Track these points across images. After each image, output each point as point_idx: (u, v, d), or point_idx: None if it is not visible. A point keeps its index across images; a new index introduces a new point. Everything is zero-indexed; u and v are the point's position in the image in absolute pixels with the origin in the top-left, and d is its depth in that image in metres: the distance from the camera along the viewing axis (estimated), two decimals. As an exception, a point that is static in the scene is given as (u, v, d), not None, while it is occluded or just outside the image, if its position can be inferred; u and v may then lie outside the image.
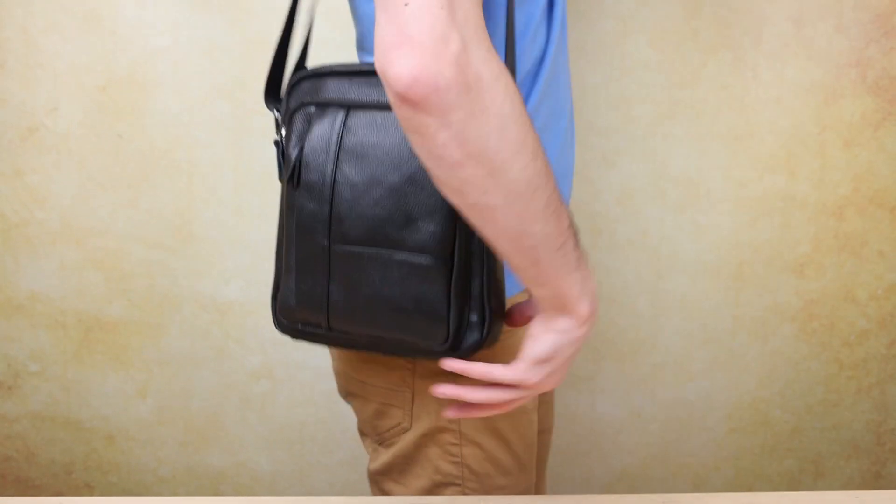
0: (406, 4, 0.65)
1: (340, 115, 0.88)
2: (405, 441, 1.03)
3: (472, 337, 0.88)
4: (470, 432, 1.01)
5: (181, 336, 1.66)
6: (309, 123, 0.90)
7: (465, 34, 0.66)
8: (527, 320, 0.90)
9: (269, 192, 1.61)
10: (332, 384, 1.68)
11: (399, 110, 0.68)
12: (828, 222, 1.65)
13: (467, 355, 0.88)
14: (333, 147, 0.87)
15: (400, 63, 0.65)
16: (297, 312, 0.92)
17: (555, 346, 0.83)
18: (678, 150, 1.61)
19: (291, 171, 0.89)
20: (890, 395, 1.72)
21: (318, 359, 1.68)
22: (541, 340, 0.83)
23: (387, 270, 0.86)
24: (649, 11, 1.56)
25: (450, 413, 0.89)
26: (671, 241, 1.63)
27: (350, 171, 0.86)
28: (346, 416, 1.70)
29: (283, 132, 0.93)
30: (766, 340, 1.70)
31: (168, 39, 1.55)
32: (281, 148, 0.93)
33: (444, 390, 0.86)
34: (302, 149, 0.88)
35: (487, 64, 0.68)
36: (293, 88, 0.94)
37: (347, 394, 1.10)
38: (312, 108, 0.90)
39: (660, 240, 1.64)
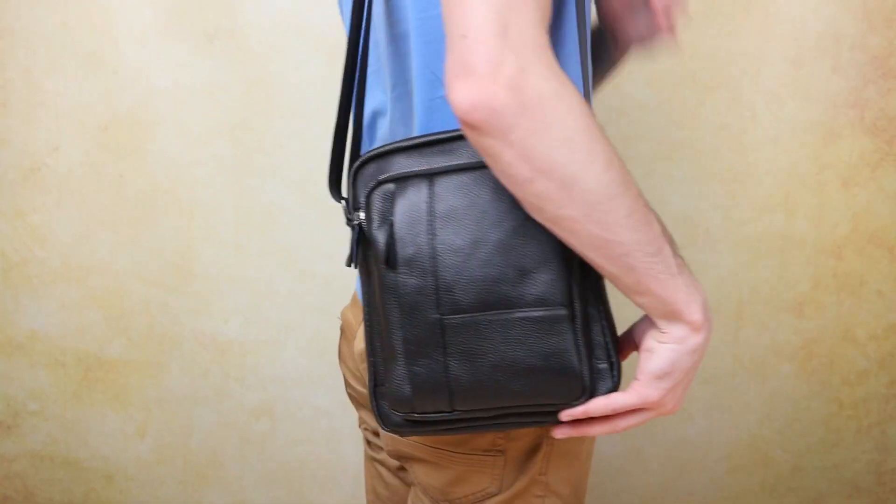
0: (464, 36, 0.69)
1: (425, 185, 0.84)
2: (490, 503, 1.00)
3: (605, 385, 0.84)
4: (554, 483, 0.98)
5: (181, 374, 1.64)
6: (391, 201, 0.86)
7: (522, 56, 0.68)
8: (632, 348, 0.87)
9: (269, 231, 1.60)
10: (331, 423, 1.67)
11: (468, 135, 0.71)
12: (826, 262, 1.64)
13: None
14: (425, 217, 0.83)
15: (460, 91, 0.68)
16: (415, 401, 0.86)
17: (672, 357, 0.80)
18: (677, 189, 1.60)
19: (387, 251, 0.84)
20: (890, 434, 1.70)
21: (317, 398, 1.66)
22: (656, 353, 0.80)
23: (508, 332, 0.81)
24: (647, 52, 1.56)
25: (558, 433, 0.86)
26: (670, 281, 1.62)
27: (450, 237, 0.82)
28: (345, 454, 1.68)
29: (363, 215, 0.87)
30: (766, 380, 1.68)
31: (169, 80, 1.54)
32: (361, 232, 0.87)
33: (565, 431, 0.84)
34: (392, 225, 0.84)
35: (548, 82, 0.69)
36: (358, 172, 0.89)
37: (406, 457, 1.04)
38: (392, 185, 0.86)
39: (659, 279, 1.62)
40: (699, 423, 1.70)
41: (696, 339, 0.80)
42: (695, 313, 0.78)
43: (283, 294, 1.63)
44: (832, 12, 1.55)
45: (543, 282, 0.80)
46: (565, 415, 0.83)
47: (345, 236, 1.61)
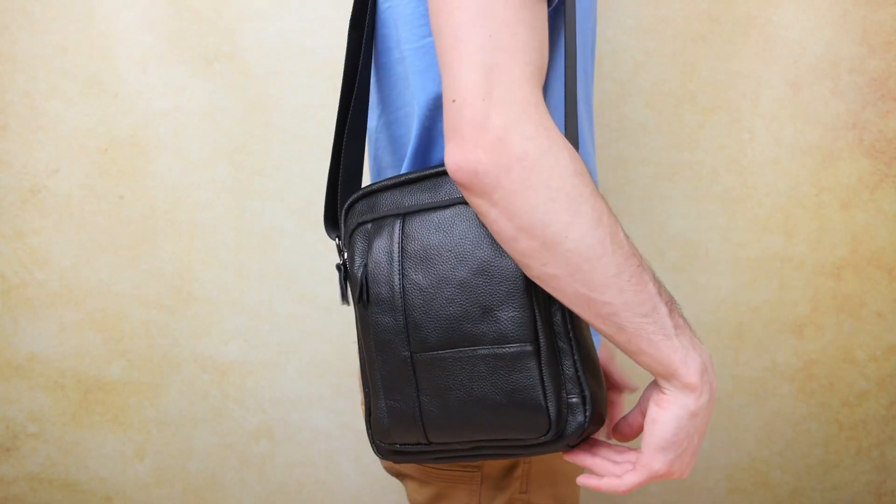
0: (453, 101, 0.70)
1: (398, 225, 0.85)
2: None
3: (576, 420, 0.83)
4: (537, 502, 0.98)
5: (180, 397, 1.61)
6: (369, 241, 0.87)
7: (506, 116, 0.69)
8: (637, 431, 0.86)
9: (269, 253, 1.57)
10: (330, 445, 1.64)
11: (462, 192, 0.74)
12: (826, 283, 1.61)
13: (574, 439, 0.83)
14: (396, 257, 0.84)
15: (449, 154, 0.71)
16: (393, 433, 0.87)
17: (675, 425, 0.78)
18: (676, 210, 1.58)
19: (361, 290, 0.85)
20: (890, 456, 1.67)
21: (317, 419, 1.63)
22: (659, 423, 0.78)
23: (473, 368, 0.81)
24: (646, 74, 1.54)
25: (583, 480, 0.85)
26: (670, 302, 1.60)
27: (417, 277, 0.82)
28: (345, 477, 1.65)
29: (346, 255, 0.89)
30: (766, 401, 1.66)
31: (169, 103, 1.52)
32: (344, 271, 0.90)
33: (587, 482, 0.83)
34: (366, 265, 0.85)
35: (534, 140, 0.69)
36: (349, 211, 0.91)
37: (399, 474, 1.06)
38: (369, 225, 0.87)
39: (659, 301, 1.60)
40: (699, 444, 1.67)
41: (693, 402, 0.77)
42: (691, 375, 0.76)
43: (283, 316, 1.60)
44: (831, 35, 1.54)
45: (506, 319, 0.80)
46: (580, 480, 0.83)
47: (344, 259, 1.58)
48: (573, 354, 0.82)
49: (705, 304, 1.62)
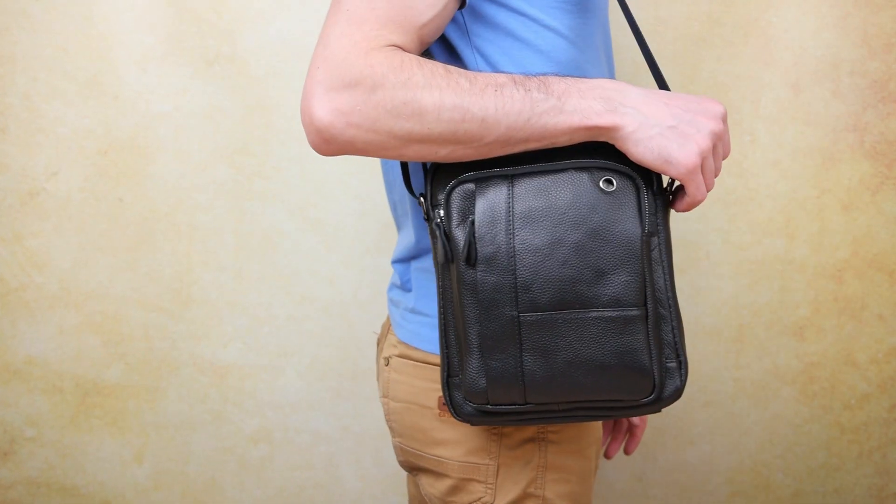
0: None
1: (505, 186, 0.86)
2: None
3: (673, 384, 0.87)
4: (552, 499, 0.98)
5: (179, 400, 1.59)
6: (471, 199, 0.86)
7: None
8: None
9: (269, 255, 1.55)
10: (329, 448, 1.61)
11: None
12: (827, 286, 1.59)
13: (669, 404, 0.87)
14: (505, 216, 0.84)
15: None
16: (490, 393, 0.86)
17: (645, 147, 0.83)
18: (677, 213, 1.56)
19: (467, 249, 0.85)
20: (892, 459, 1.65)
21: (316, 423, 1.61)
22: (644, 159, 0.83)
23: (583, 330, 0.83)
24: (647, 76, 1.52)
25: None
26: (671, 305, 1.58)
27: (529, 237, 0.84)
28: (344, 480, 1.62)
29: (443, 213, 0.88)
30: (767, 404, 1.63)
31: (169, 105, 1.50)
32: (441, 229, 0.88)
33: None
34: (473, 223, 0.85)
35: (380, 67, 0.78)
36: (437, 170, 0.90)
37: (414, 468, 1.06)
38: (472, 185, 0.87)
39: (660, 303, 1.58)
40: (700, 447, 1.65)
41: (632, 127, 0.82)
42: (603, 118, 0.82)
43: (283, 319, 1.58)
44: (832, 38, 1.52)
45: (619, 283, 0.83)
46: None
47: (344, 261, 1.56)
48: (672, 321, 0.86)
49: (706, 307, 1.60)
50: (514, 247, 0.84)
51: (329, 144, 0.79)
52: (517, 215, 0.84)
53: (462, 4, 0.86)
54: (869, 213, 1.57)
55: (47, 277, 1.53)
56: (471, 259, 0.85)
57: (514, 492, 0.97)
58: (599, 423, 1.06)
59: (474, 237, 0.85)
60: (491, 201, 0.85)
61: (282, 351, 1.59)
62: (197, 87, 1.50)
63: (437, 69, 0.79)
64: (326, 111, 0.77)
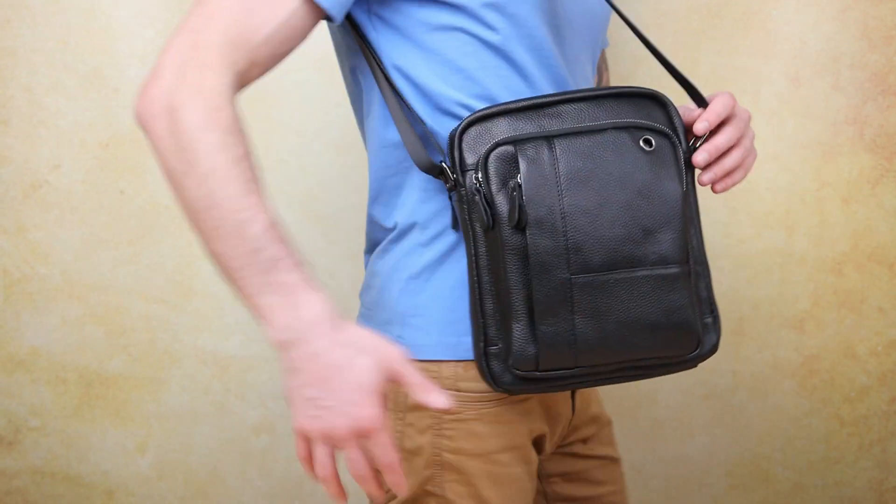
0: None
1: (545, 148, 0.85)
2: None
3: (710, 339, 0.89)
4: (453, 498, 0.95)
5: (181, 391, 1.59)
6: (513, 163, 0.85)
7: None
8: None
9: (270, 248, 1.55)
10: (331, 439, 1.61)
11: None
12: (827, 279, 1.59)
13: (706, 358, 0.89)
14: (553, 178, 0.83)
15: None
16: (540, 358, 0.85)
17: (284, 379, 0.83)
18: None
19: (517, 212, 0.83)
20: (891, 452, 1.64)
21: (317, 414, 1.61)
22: (287, 387, 0.85)
23: (633, 290, 0.83)
24: (647, 69, 1.51)
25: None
26: (670, 298, 1.57)
27: (578, 198, 0.83)
28: (345, 471, 1.62)
29: (480, 176, 0.87)
30: (767, 396, 1.63)
31: (170, 98, 1.50)
32: (482, 194, 0.86)
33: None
34: (521, 187, 0.83)
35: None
36: (463, 134, 0.88)
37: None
38: (511, 147, 0.86)
39: (659, 296, 1.58)
40: (699, 439, 1.65)
41: (285, 358, 0.81)
42: (273, 332, 0.80)
43: (284, 311, 1.58)
44: (831, 30, 1.51)
45: (666, 241, 0.83)
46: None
47: (344, 254, 1.56)
48: (705, 277, 0.88)
49: (706, 300, 1.60)
50: (563, 209, 0.82)
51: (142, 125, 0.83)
52: (563, 176, 0.83)
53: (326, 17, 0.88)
54: (869, 205, 1.56)
55: (50, 269, 1.54)
56: (521, 222, 0.83)
57: (411, 484, 0.96)
58: (524, 430, 0.99)
59: (522, 200, 0.83)
60: (536, 164, 0.84)
61: (283, 343, 1.59)
62: (198, 81, 1.50)
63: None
64: (143, 104, 0.83)
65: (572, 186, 0.83)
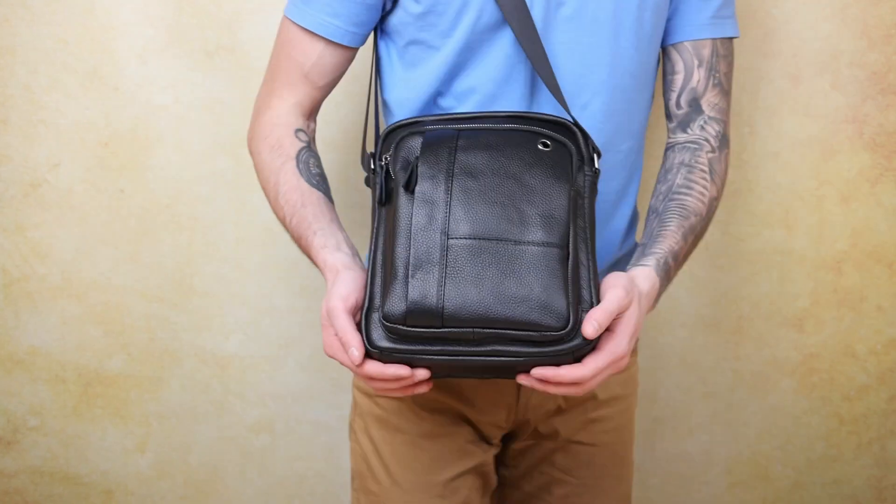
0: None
1: (450, 131, 0.95)
2: None
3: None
4: (359, 434, 1.24)
5: (181, 390, 1.59)
6: (416, 146, 0.96)
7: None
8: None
9: (269, 247, 1.55)
10: (331, 438, 1.62)
11: None
12: (826, 277, 1.58)
13: (583, 352, 0.90)
14: (447, 155, 0.92)
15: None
16: (408, 314, 0.88)
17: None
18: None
19: (409, 176, 0.92)
20: (890, 450, 1.64)
21: (317, 413, 1.61)
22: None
23: (508, 262, 0.88)
24: (647, 68, 1.51)
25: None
26: (669, 296, 1.56)
27: (469, 169, 0.91)
28: (345, 470, 1.62)
29: (388, 156, 0.97)
30: (766, 395, 1.63)
31: (170, 96, 1.49)
32: (385, 169, 0.97)
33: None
34: (417, 158, 0.93)
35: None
36: (389, 134, 1.00)
37: None
38: (419, 137, 0.97)
39: (659, 294, 1.57)
40: (699, 437, 1.65)
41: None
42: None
43: (284, 310, 1.58)
44: (831, 29, 1.51)
45: (546, 222, 0.89)
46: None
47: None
48: (588, 269, 0.92)
49: (705, 298, 1.60)
50: (452, 182, 0.90)
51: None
52: (459, 149, 0.92)
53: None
54: (868, 204, 1.56)
55: (49, 268, 1.53)
56: (410, 185, 0.91)
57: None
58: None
59: (416, 167, 0.91)
60: (437, 140, 0.93)
61: (283, 342, 1.59)
62: (197, 79, 1.49)
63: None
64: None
65: (465, 160, 0.91)
